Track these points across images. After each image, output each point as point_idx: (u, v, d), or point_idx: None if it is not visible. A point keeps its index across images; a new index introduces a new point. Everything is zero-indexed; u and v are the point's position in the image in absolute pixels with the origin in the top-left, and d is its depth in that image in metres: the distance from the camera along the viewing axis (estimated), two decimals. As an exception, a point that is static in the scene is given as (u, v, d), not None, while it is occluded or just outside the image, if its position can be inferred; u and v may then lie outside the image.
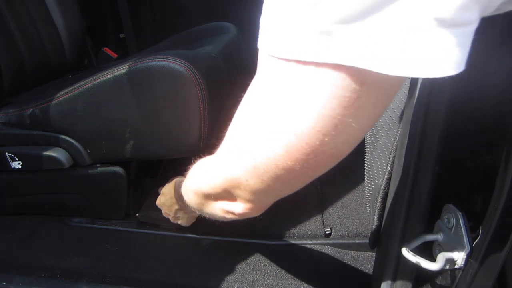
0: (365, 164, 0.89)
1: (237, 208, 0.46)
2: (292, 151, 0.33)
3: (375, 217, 0.74)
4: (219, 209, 0.49)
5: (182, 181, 0.75)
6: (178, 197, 0.83)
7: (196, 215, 0.87)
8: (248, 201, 0.44)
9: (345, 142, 0.33)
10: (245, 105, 0.37)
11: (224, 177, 0.42)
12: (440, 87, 0.47)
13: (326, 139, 0.31)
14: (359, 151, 0.97)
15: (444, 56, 0.25)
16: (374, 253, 0.87)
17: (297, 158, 0.33)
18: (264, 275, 0.87)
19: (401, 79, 0.29)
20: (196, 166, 0.52)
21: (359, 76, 0.27)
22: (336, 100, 0.29)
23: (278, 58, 0.30)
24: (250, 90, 0.36)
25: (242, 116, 0.37)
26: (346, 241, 0.96)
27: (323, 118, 0.30)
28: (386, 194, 0.69)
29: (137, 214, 1.03)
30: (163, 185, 0.92)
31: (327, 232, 0.97)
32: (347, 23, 0.25)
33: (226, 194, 0.45)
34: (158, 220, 0.98)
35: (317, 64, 0.28)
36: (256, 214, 0.47)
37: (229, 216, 0.49)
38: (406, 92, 0.56)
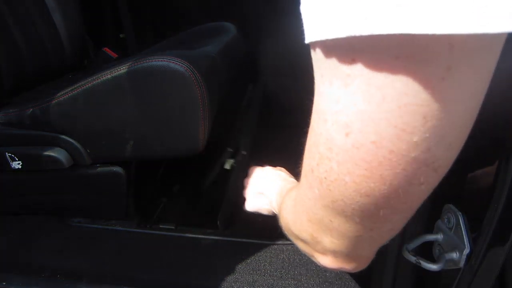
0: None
1: (329, 262, 0.37)
2: (373, 167, 0.25)
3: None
4: (310, 255, 0.41)
5: (284, 184, 0.67)
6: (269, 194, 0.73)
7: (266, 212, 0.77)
8: (339, 253, 0.35)
9: (441, 142, 0.24)
10: (311, 123, 0.29)
11: (308, 219, 0.35)
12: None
13: (415, 139, 0.23)
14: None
15: None
16: (374, 253, 0.87)
17: (381, 175, 0.25)
18: (264, 275, 0.87)
19: (499, 38, 0.22)
20: (289, 193, 0.45)
21: (446, 39, 0.21)
22: (421, 84, 0.22)
23: (339, 40, 0.22)
24: (314, 102, 0.28)
25: (309, 138, 0.30)
26: (346, 241, 0.95)
27: (406, 110, 0.23)
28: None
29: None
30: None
31: None
32: None
33: (315, 244, 0.37)
34: None
35: (390, 38, 0.21)
36: (353, 269, 0.38)
37: (324, 266, 0.40)
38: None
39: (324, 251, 0.37)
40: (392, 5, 0.20)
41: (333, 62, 0.24)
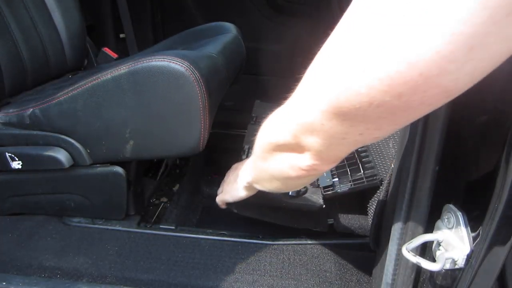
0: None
1: (304, 160, 0.40)
2: (397, 84, 0.25)
3: (375, 217, 0.74)
4: (285, 163, 0.43)
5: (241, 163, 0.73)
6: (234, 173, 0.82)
7: (241, 194, 0.80)
8: (318, 152, 0.38)
9: (471, 74, 0.25)
10: (336, 31, 0.29)
11: (296, 122, 0.37)
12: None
13: (450, 67, 0.23)
14: (358, 150, 0.97)
15: None
16: (374, 253, 0.87)
17: (400, 93, 0.25)
18: (264, 275, 0.87)
19: None
20: (267, 119, 0.47)
21: None
22: (486, 12, 0.21)
23: None
24: (347, 12, 0.28)
25: (329, 46, 0.30)
26: (346, 241, 0.95)
27: (457, 39, 0.22)
28: (386, 194, 0.69)
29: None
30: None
31: (329, 223, 0.96)
32: None
33: (295, 144, 0.39)
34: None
35: None
36: (323, 169, 0.41)
37: (294, 172, 0.43)
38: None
39: (303, 150, 0.39)
40: None
41: None
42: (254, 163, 0.56)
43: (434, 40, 0.23)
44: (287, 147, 0.41)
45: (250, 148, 1.08)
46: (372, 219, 0.77)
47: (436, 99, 0.27)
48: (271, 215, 0.97)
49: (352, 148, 0.38)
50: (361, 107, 0.28)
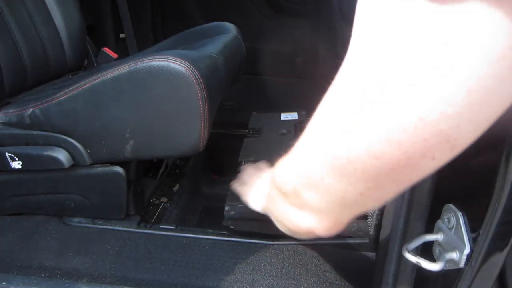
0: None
1: (304, 220, 0.37)
2: (396, 130, 0.24)
3: (375, 217, 0.74)
4: (286, 215, 0.40)
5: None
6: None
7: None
8: (317, 210, 0.35)
9: (472, 122, 0.24)
10: (336, 83, 0.28)
11: (296, 171, 0.34)
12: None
13: (449, 111, 0.23)
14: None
15: None
16: (374, 253, 0.87)
17: (400, 140, 0.25)
18: (264, 275, 0.87)
19: None
20: (279, 162, 0.44)
21: None
22: (486, 67, 0.21)
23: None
24: (346, 59, 0.27)
25: (332, 96, 0.29)
26: (346, 241, 0.95)
27: (453, 80, 0.22)
28: (386, 194, 0.69)
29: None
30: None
31: None
32: None
33: (294, 197, 0.36)
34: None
35: (476, 9, 0.20)
36: (322, 234, 0.37)
37: (294, 228, 0.40)
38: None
39: (302, 206, 0.36)
40: None
41: (392, 13, 0.23)
42: (266, 198, 0.52)
43: (436, 91, 0.22)
44: (288, 198, 0.39)
45: (246, 163, 1.07)
46: (372, 220, 0.77)
47: (439, 149, 0.25)
48: (268, 227, 0.97)
49: (353, 212, 0.35)
50: (360, 157, 0.27)
